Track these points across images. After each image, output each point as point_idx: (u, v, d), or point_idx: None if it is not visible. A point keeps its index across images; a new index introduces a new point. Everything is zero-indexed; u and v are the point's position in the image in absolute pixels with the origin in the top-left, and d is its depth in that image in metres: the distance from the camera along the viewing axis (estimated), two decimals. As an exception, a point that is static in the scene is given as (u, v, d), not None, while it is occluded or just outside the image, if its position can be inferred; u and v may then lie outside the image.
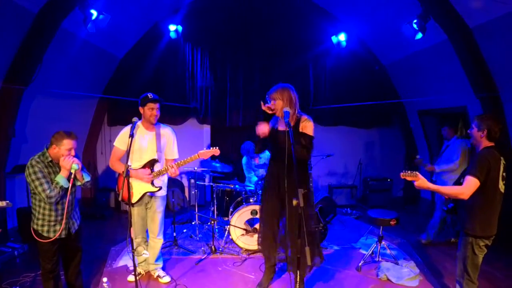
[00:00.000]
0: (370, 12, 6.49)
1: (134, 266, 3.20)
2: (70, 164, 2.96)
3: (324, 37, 7.36)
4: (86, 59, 5.88)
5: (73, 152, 3.05)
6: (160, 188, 3.85)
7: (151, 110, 3.70)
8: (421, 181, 2.89)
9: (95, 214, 6.56)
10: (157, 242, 4.02)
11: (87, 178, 3.21)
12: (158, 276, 4.10)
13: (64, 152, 2.99)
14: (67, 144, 2.99)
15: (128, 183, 3.14)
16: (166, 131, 3.93)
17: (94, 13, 4.72)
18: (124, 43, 6.85)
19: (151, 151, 3.80)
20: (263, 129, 3.43)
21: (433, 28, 5.01)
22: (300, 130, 3.41)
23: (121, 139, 3.79)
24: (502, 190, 2.98)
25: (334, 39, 7.11)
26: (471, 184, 2.85)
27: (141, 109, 3.75)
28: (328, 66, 7.76)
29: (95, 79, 6.75)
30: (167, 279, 4.07)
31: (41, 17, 4.39)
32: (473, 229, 2.98)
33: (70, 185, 3.01)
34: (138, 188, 3.77)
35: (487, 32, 4.60)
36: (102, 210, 6.82)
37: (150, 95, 3.72)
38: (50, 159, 3.03)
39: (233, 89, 7.61)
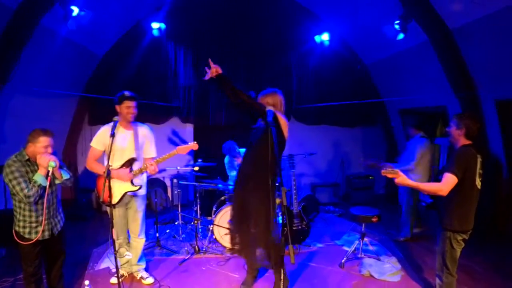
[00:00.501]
0: (352, 12, 6.57)
1: (117, 268, 3.16)
2: (47, 161, 2.91)
3: (307, 37, 7.40)
4: (66, 56, 5.75)
5: (50, 150, 3.00)
6: (140, 186, 3.79)
7: (127, 108, 3.66)
8: (401, 178, 2.98)
9: (76, 215, 6.42)
10: (139, 242, 3.98)
11: (66, 175, 3.16)
12: (141, 277, 4.06)
13: (41, 149, 2.94)
14: (43, 141, 2.95)
15: (109, 184, 3.09)
16: (144, 130, 3.89)
17: (75, 9, 4.62)
18: (106, 40, 6.72)
19: (130, 150, 3.76)
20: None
21: (414, 29, 5.11)
22: None
23: (98, 139, 3.72)
24: (479, 187, 3.08)
25: (317, 38, 7.16)
26: (449, 180, 2.94)
27: (117, 108, 3.69)
28: (311, 65, 7.81)
29: (75, 77, 6.61)
30: (150, 280, 4.03)
31: (20, 13, 4.26)
32: (451, 224, 3.07)
33: (48, 183, 2.95)
34: (118, 188, 3.70)
35: (466, 34, 4.73)
36: (83, 211, 6.69)
37: (126, 93, 3.68)
38: (27, 157, 2.98)
39: (216, 88, 7.57)
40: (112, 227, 3.11)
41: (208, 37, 7.40)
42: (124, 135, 3.74)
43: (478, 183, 3.06)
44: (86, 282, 3.30)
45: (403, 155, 5.52)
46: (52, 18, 4.70)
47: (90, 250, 4.93)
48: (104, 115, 7.10)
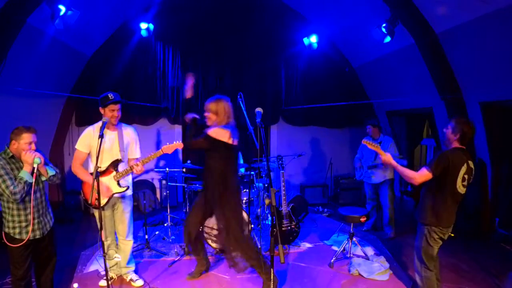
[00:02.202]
0: (341, 15, 6.64)
1: (106, 270, 3.13)
2: (32, 158, 2.90)
3: (296, 39, 7.45)
4: (53, 56, 5.65)
5: (33, 147, 2.99)
6: (127, 188, 3.75)
7: (111, 111, 3.58)
8: (388, 156, 3.31)
9: (63, 217, 6.34)
10: (127, 244, 3.94)
11: (51, 172, 3.14)
12: (131, 279, 4.03)
13: (24, 146, 2.93)
14: (26, 138, 2.94)
15: (98, 185, 3.06)
16: (129, 131, 3.86)
17: (62, 8, 4.55)
18: (93, 41, 6.64)
19: (115, 152, 3.71)
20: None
21: (401, 32, 5.20)
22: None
23: (82, 142, 3.64)
24: (461, 191, 3.14)
25: (305, 41, 7.21)
26: (423, 174, 3.12)
27: (101, 110, 3.61)
28: (299, 67, 7.88)
29: (62, 78, 6.51)
30: (140, 282, 4.00)
31: (6, 12, 4.19)
32: (426, 218, 3.20)
33: (34, 180, 2.93)
34: (105, 190, 3.63)
35: (451, 37, 4.83)
36: (70, 213, 6.61)
37: (110, 96, 3.58)
38: (11, 155, 2.96)
39: (205, 89, 7.57)
40: (101, 229, 3.08)
41: (197, 38, 7.38)
42: (108, 136, 3.68)
43: (460, 187, 3.12)
44: (75, 285, 3.27)
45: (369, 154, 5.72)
46: (39, 18, 4.63)
47: (78, 253, 4.87)
48: (92, 116, 7.06)
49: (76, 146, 3.67)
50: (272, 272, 2.97)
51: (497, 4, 3.89)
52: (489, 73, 4.75)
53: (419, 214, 3.28)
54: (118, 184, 3.69)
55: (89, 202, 3.37)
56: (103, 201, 3.64)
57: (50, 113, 6.70)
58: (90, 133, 3.64)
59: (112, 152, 3.69)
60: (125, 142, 3.79)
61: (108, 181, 3.64)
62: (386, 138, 5.66)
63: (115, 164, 3.68)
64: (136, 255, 4.65)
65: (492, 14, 4.04)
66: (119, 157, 3.70)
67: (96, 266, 4.44)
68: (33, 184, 2.94)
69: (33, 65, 5.34)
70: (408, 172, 3.21)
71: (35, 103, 5.89)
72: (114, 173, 3.66)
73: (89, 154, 3.69)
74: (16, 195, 2.85)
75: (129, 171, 3.67)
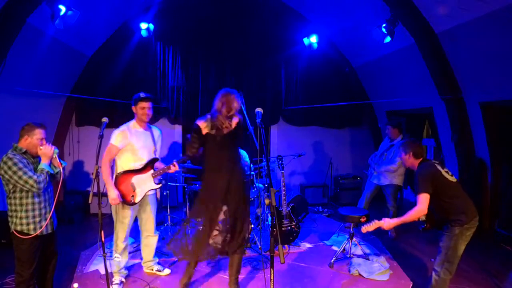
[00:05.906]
0: (341, 15, 6.64)
1: (106, 270, 3.14)
2: (52, 150, 3.01)
3: (296, 39, 7.44)
4: (53, 56, 5.65)
5: (44, 143, 3.05)
6: (162, 184, 4.03)
7: (142, 109, 3.81)
8: (387, 224, 3.27)
9: (63, 218, 6.33)
10: (154, 238, 4.19)
11: (64, 163, 3.27)
12: (158, 270, 4.24)
13: (37, 142, 3.00)
14: (39, 133, 3.02)
15: (98, 184, 3.08)
16: (156, 131, 4.09)
17: (63, 8, 4.54)
18: (94, 41, 6.64)
19: (151, 148, 3.92)
20: None
21: (401, 32, 5.19)
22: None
23: (119, 138, 3.72)
24: (454, 180, 3.27)
25: (306, 41, 7.19)
26: (423, 200, 3.11)
27: (133, 109, 3.86)
28: (300, 67, 7.88)
29: (62, 78, 6.51)
30: (167, 271, 4.25)
31: (6, 12, 4.19)
32: (459, 220, 3.15)
33: (61, 168, 3.13)
34: (142, 187, 3.82)
35: (452, 37, 4.83)
36: (70, 213, 6.59)
37: (142, 94, 3.85)
38: (24, 150, 3.00)
39: (205, 89, 7.57)
40: (101, 229, 3.09)
41: (197, 38, 7.38)
42: (144, 133, 3.89)
43: (452, 179, 3.25)
44: (75, 285, 3.28)
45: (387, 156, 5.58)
46: (39, 17, 4.63)
47: (78, 253, 4.87)
48: (92, 116, 7.12)
49: (112, 142, 3.71)
50: (272, 272, 2.95)
51: (497, 4, 3.89)
52: (489, 73, 4.75)
53: (446, 223, 3.24)
54: (154, 181, 3.89)
55: (131, 200, 3.68)
56: (139, 198, 3.81)
57: (50, 113, 6.70)
58: (125, 131, 3.76)
59: (147, 148, 3.89)
60: (156, 141, 4.01)
61: (146, 178, 3.86)
62: (400, 143, 5.32)
63: (152, 163, 3.88)
64: (136, 255, 4.66)
65: (492, 14, 4.04)
66: (157, 156, 3.99)
67: (96, 266, 4.44)
68: (60, 172, 3.12)
69: (33, 65, 5.34)
70: (412, 213, 3.16)
71: (35, 103, 5.89)
72: (152, 171, 3.88)
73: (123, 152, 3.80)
74: (40, 184, 2.91)
75: (166, 170, 3.84)
